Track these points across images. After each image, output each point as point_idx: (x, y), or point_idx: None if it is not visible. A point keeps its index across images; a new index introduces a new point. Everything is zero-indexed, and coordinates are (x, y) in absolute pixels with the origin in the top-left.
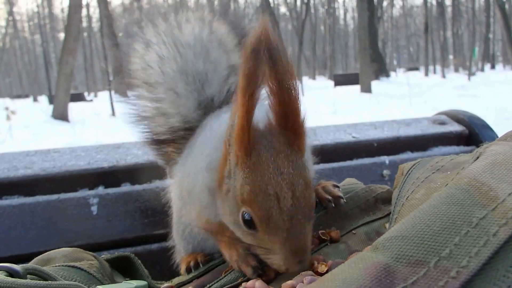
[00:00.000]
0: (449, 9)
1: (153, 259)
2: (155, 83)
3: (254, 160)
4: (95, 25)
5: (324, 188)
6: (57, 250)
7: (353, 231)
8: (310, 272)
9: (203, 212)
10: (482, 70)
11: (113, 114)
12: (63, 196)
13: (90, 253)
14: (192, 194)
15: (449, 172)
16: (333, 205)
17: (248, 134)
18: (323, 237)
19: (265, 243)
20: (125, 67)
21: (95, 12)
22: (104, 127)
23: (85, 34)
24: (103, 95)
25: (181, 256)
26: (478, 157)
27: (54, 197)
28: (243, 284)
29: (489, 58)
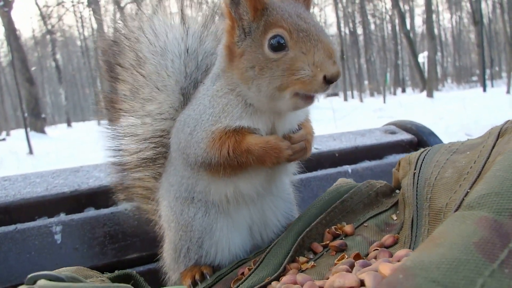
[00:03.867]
0: (361, 38)
1: None
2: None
3: (271, 5)
4: (4, 59)
5: None
6: (58, 270)
7: (365, 224)
8: (352, 260)
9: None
10: (395, 94)
11: (31, 152)
12: (20, 226)
13: (95, 271)
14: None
15: (468, 152)
16: None
17: None
18: (337, 232)
19: (295, 60)
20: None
21: (2, 46)
22: (23, 167)
23: None
24: (17, 133)
25: (180, 272)
26: (500, 133)
27: (11, 228)
28: (274, 284)
29: (400, 83)
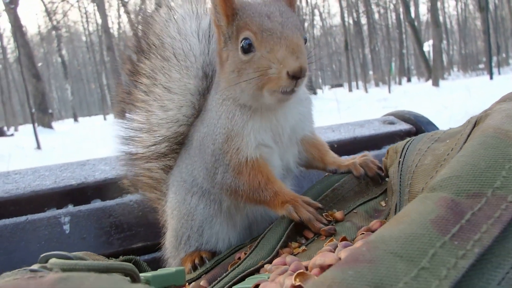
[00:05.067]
0: (365, 27)
1: None
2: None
3: (241, 9)
4: (10, 55)
5: (362, 164)
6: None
7: (354, 211)
8: (337, 242)
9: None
10: (400, 83)
11: (38, 147)
12: (31, 217)
13: (101, 256)
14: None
15: (447, 141)
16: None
17: None
18: (328, 219)
19: (263, 59)
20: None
21: (9, 42)
22: (30, 161)
23: (0, 66)
24: (25, 128)
25: (180, 258)
26: (476, 122)
27: (22, 218)
28: (266, 266)
29: (405, 72)
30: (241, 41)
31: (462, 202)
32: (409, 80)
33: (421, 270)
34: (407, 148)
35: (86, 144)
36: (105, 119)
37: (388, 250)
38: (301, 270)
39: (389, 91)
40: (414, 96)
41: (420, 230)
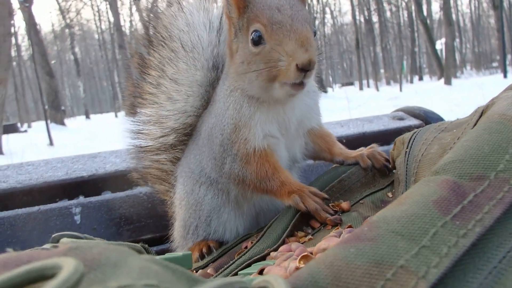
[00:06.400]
0: (377, 26)
1: None
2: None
3: (252, 2)
4: (25, 53)
5: (369, 155)
6: None
7: (361, 201)
8: (342, 230)
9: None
10: (412, 82)
11: (51, 143)
12: (43, 207)
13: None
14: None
15: (454, 130)
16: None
17: None
18: (334, 209)
19: (272, 51)
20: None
21: (23, 40)
22: (43, 158)
23: (14, 63)
24: (38, 125)
25: (188, 247)
26: (483, 111)
27: (34, 209)
28: (272, 253)
29: (417, 71)
30: (251, 33)
31: (465, 184)
32: (421, 78)
33: (422, 248)
34: (414, 139)
35: (97, 140)
36: (116, 116)
37: (390, 229)
38: (305, 253)
39: (401, 90)
40: (426, 94)
41: (421, 210)
